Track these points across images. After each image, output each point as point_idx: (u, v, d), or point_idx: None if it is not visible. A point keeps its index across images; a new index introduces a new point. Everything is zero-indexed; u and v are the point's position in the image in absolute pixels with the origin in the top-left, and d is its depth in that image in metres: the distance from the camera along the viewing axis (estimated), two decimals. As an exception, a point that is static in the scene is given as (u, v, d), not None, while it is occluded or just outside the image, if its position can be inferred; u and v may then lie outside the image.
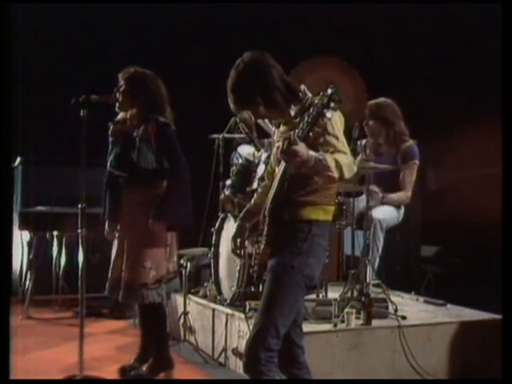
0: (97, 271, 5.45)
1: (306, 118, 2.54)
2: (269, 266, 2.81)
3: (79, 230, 3.79)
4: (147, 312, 4.03)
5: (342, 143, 2.73)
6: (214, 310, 4.67)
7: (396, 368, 4.11)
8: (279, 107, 2.84)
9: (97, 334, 5.12)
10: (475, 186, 5.82)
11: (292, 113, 2.81)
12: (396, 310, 4.30)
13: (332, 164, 2.60)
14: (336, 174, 2.63)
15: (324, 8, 6.38)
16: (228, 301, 4.52)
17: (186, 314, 4.75)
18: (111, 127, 4.01)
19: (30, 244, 6.06)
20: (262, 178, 4.29)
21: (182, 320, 4.77)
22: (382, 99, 4.93)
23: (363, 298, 4.22)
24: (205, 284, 5.06)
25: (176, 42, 6.57)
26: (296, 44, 6.52)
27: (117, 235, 4.02)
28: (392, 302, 4.36)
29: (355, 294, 4.38)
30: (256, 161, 4.77)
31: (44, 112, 6.24)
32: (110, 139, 4.01)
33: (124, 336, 5.22)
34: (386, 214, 4.86)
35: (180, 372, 4.12)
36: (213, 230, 4.83)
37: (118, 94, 3.87)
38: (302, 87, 2.86)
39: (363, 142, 4.93)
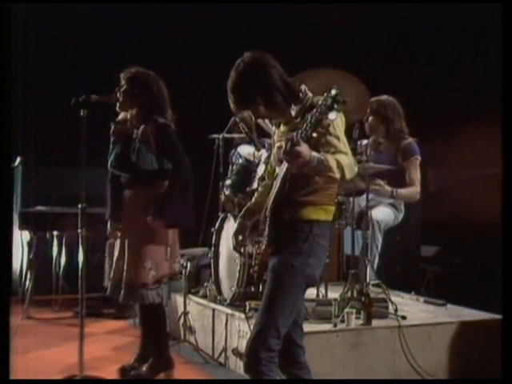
0: (97, 271, 5.51)
1: (309, 119, 2.53)
2: (270, 265, 2.82)
3: (79, 230, 3.79)
4: (147, 312, 4.03)
5: (344, 144, 2.73)
6: (214, 310, 4.67)
7: (396, 368, 4.11)
8: (279, 107, 2.84)
9: (97, 334, 5.12)
10: (475, 186, 5.82)
11: (292, 113, 2.82)
12: (396, 310, 4.30)
13: (334, 165, 2.61)
14: (337, 175, 2.64)
15: (324, 8, 6.38)
16: (228, 301, 4.52)
17: (186, 313, 4.75)
18: (112, 127, 4.01)
19: (29, 244, 6.06)
20: (262, 178, 4.29)
21: (181, 320, 4.77)
22: (384, 96, 4.94)
23: (363, 298, 4.22)
24: (205, 284, 5.06)
25: (176, 41, 6.57)
26: (296, 44, 6.53)
27: (119, 235, 4.02)
28: (392, 302, 4.36)
29: (355, 294, 4.38)
30: (256, 161, 4.77)
31: (44, 112, 6.25)
32: (111, 139, 4.01)
33: (124, 336, 5.22)
34: (385, 214, 4.86)
35: (180, 372, 4.12)
36: (213, 229, 4.83)
37: (118, 94, 3.87)
38: (303, 87, 2.87)
39: (364, 142, 4.94)
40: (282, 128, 2.92)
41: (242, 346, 4.00)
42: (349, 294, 4.38)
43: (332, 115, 2.51)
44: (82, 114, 3.69)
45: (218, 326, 4.58)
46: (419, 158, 4.89)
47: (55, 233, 6.04)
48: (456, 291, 5.28)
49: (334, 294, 4.55)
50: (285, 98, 2.82)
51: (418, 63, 6.43)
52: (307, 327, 3.86)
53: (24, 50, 6.08)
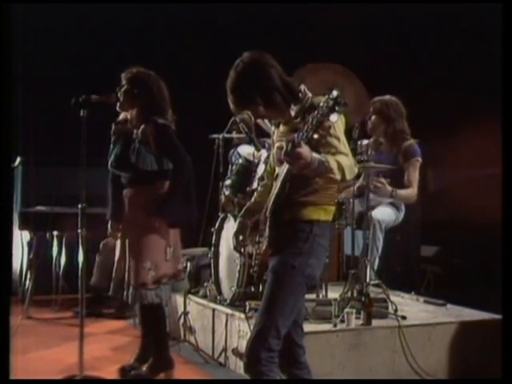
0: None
1: (310, 121, 2.53)
2: (270, 266, 2.81)
3: (79, 230, 3.79)
4: (147, 312, 4.03)
5: (344, 144, 2.73)
6: (214, 310, 4.67)
7: (396, 368, 4.11)
8: (279, 107, 2.83)
9: (97, 334, 5.11)
10: (475, 186, 5.82)
11: (292, 113, 2.81)
12: (396, 310, 4.30)
13: (334, 166, 2.62)
14: (338, 176, 2.64)
15: (324, 8, 6.38)
16: (228, 301, 4.52)
17: (186, 313, 4.76)
18: (113, 127, 4.01)
19: (30, 244, 6.06)
20: (261, 178, 4.29)
21: (182, 320, 4.77)
22: (387, 96, 4.94)
23: (363, 298, 4.22)
24: (205, 284, 5.05)
25: (176, 41, 6.57)
26: (296, 44, 6.53)
27: (119, 235, 4.02)
28: (392, 302, 4.36)
29: (355, 294, 4.38)
30: (256, 161, 4.77)
31: (44, 112, 6.25)
32: (112, 139, 4.02)
33: (124, 336, 5.22)
34: (385, 214, 4.87)
35: (180, 372, 4.11)
36: (213, 229, 4.83)
37: (119, 94, 3.87)
38: (302, 87, 2.86)
39: (364, 142, 4.94)
40: (282, 128, 2.92)
41: (242, 346, 4.00)
42: (349, 294, 4.38)
43: (333, 117, 2.51)
44: (81, 114, 3.69)
45: (218, 326, 4.58)
46: (420, 159, 4.90)
47: (55, 233, 6.04)
48: (456, 291, 5.28)
49: (334, 293, 4.55)
50: (284, 98, 2.82)
51: (418, 63, 6.43)
52: (307, 327, 3.85)
53: (24, 50, 6.08)
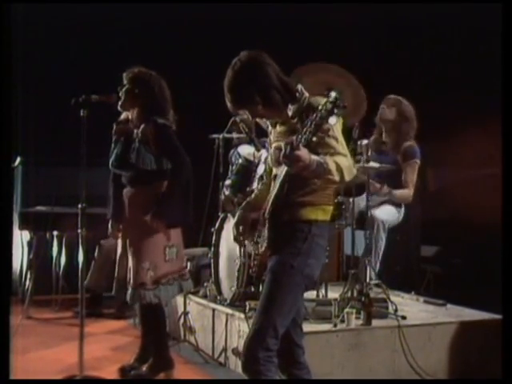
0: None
1: (308, 124, 2.51)
2: (268, 266, 2.81)
3: (79, 230, 3.79)
4: (147, 312, 4.02)
5: (342, 145, 2.72)
6: (214, 310, 4.67)
7: (396, 368, 4.11)
8: (277, 106, 2.82)
9: (97, 334, 5.11)
10: (475, 186, 5.82)
11: (289, 113, 2.80)
12: (396, 310, 4.30)
13: (333, 167, 2.61)
14: (337, 178, 2.63)
15: (324, 8, 6.38)
16: (228, 301, 4.52)
17: (186, 314, 4.75)
18: (114, 126, 4.02)
19: (30, 244, 6.06)
20: (261, 178, 4.30)
21: (182, 320, 4.77)
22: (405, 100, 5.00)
23: (363, 298, 4.22)
24: (205, 284, 5.05)
25: (176, 41, 6.57)
26: (296, 44, 6.52)
27: (120, 235, 4.03)
28: (392, 302, 4.36)
29: (355, 293, 4.38)
30: (256, 161, 4.78)
31: (44, 112, 6.25)
32: (113, 138, 4.02)
33: (124, 336, 5.22)
34: (388, 214, 4.89)
35: (180, 372, 4.11)
36: (213, 229, 4.83)
37: (120, 93, 3.87)
38: (299, 87, 2.85)
39: (364, 142, 4.94)
40: (279, 128, 2.91)
41: (242, 345, 4.00)
42: (349, 294, 4.38)
43: (332, 120, 2.50)
44: (81, 114, 3.69)
45: (218, 326, 4.58)
46: (418, 161, 4.94)
47: (55, 233, 6.03)
48: (456, 291, 5.28)
49: (334, 293, 4.55)
50: (283, 97, 2.80)
51: (418, 63, 6.43)
52: (307, 327, 3.86)
53: (24, 50, 6.08)
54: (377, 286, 4.57)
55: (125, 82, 3.91)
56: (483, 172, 5.82)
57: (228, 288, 4.55)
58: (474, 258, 5.73)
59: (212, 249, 4.81)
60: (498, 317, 4.29)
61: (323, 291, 4.57)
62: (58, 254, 6.11)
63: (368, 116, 4.83)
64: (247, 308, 4.09)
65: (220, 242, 4.77)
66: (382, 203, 4.94)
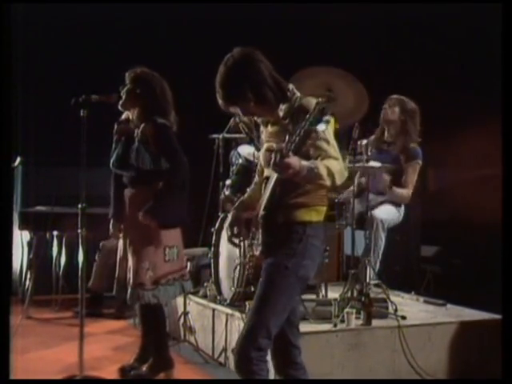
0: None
1: (297, 131, 2.48)
2: (263, 267, 2.80)
3: (79, 230, 3.79)
4: (147, 312, 4.03)
5: (334, 148, 2.69)
6: (214, 310, 4.68)
7: (396, 368, 4.11)
8: (269, 104, 2.79)
9: (97, 334, 5.12)
10: (475, 186, 5.82)
11: (280, 113, 2.78)
12: (396, 310, 4.30)
13: (324, 172, 2.58)
14: (328, 182, 2.61)
15: (324, 8, 6.38)
16: (228, 301, 4.52)
17: (186, 314, 4.75)
18: (115, 126, 4.02)
19: (29, 244, 6.06)
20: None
21: (182, 320, 4.77)
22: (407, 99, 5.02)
23: (363, 298, 4.22)
24: (205, 284, 5.06)
25: (176, 41, 6.57)
26: (296, 44, 6.52)
27: (121, 235, 4.03)
28: (392, 302, 4.36)
29: (355, 293, 4.38)
30: (256, 161, 4.77)
31: (44, 112, 6.25)
32: (114, 138, 4.02)
33: (124, 336, 5.22)
34: (387, 213, 4.89)
35: (180, 372, 4.12)
36: (213, 229, 4.83)
37: (122, 93, 3.88)
38: (290, 86, 2.83)
39: (364, 141, 4.94)
40: (271, 129, 2.88)
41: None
42: (349, 294, 4.38)
43: (321, 126, 2.47)
44: (82, 114, 3.69)
45: (218, 326, 4.58)
46: (420, 162, 4.98)
47: (55, 233, 6.04)
48: (456, 291, 5.28)
49: (334, 293, 4.55)
50: (275, 95, 2.78)
51: (417, 63, 6.43)
52: (307, 327, 3.88)
53: (24, 50, 6.08)
54: (377, 285, 4.57)
55: (127, 81, 3.92)
56: (483, 172, 5.82)
57: (228, 288, 4.55)
58: (474, 257, 5.72)
59: (212, 249, 4.81)
60: (497, 317, 4.29)
61: (323, 291, 4.57)
62: (58, 254, 6.11)
63: (368, 116, 4.84)
64: (247, 308, 4.09)
65: (220, 242, 4.77)
66: (381, 203, 4.94)
